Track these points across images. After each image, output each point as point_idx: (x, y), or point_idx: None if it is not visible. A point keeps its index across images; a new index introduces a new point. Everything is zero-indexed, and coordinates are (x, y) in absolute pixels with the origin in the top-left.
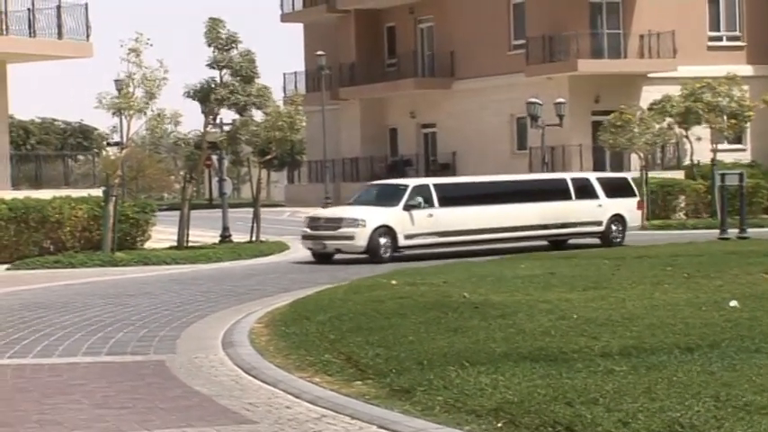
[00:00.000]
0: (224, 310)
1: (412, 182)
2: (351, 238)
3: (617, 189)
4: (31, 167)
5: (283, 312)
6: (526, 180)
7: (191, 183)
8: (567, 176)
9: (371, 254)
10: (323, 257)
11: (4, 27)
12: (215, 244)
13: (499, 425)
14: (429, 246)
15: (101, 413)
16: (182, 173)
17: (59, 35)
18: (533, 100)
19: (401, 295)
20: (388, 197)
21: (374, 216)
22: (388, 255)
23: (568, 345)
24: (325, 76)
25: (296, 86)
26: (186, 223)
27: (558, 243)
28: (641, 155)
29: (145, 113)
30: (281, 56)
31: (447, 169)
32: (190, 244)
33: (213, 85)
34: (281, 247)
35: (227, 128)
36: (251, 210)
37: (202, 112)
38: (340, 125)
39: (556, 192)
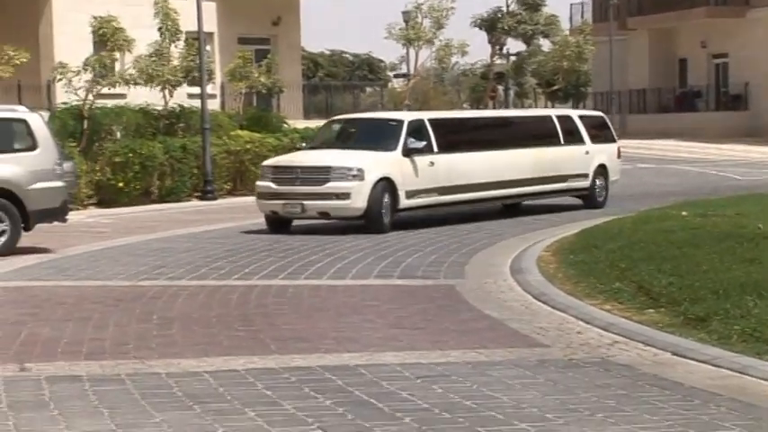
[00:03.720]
0: (511, 238)
1: (405, 116)
2: (344, 196)
3: (597, 131)
4: (321, 98)
5: (571, 241)
6: (520, 117)
7: None
8: (553, 114)
9: (370, 219)
10: (278, 225)
11: None
12: None
13: None
14: (429, 207)
15: (394, 333)
16: (465, 105)
17: None
18: None
19: (693, 226)
20: (373, 137)
21: (373, 164)
22: (388, 220)
23: None
24: (613, 5)
25: (582, 17)
26: None
27: (514, 205)
28: None
29: (432, 44)
30: None
31: (738, 101)
32: None
33: (500, 15)
34: None
35: (513, 58)
36: None
37: (489, 41)
38: (627, 56)
39: (546, 134)
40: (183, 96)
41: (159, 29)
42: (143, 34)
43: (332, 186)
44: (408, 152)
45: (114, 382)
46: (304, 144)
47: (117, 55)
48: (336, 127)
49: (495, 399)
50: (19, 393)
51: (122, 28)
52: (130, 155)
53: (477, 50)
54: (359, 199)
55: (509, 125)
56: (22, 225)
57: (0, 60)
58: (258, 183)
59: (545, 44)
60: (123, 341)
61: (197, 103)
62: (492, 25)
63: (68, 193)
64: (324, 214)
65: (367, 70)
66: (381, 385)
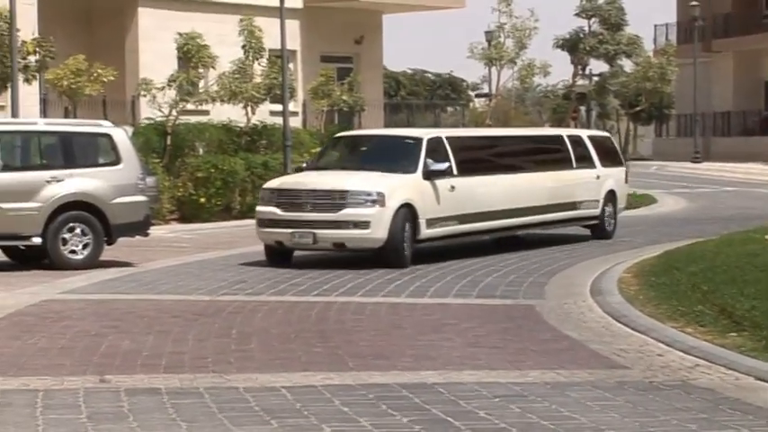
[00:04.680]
0: (591, 259)
1: (423, 133)
2: (363, 224)
3: (605, 154)
4: (402, 117)
5: (652, 263)
6: (535, 136)
7: None
8: (564, 133)
9: (391, 252)
10: (278, 257)
11: None
12: None
13: None
14: (449, 237)
15: (473, 351)
16: (546, 125)
17: None
18: None
19: None
20: (388, 157)
21: (393, 188)
22: (409, 253)
23: None
24: (698, 27)
25: (666, 38)
26: None
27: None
28: None
29: (515, 64)
30: (651, 7)
31: None
32: None
33: (582, 35)
34: (649, 201)
35: (595, 79)
36: None
37: (571, 62)
38: (711, 78)
39: (559, 156)
40: (265, 114)
41: (243, 46)
42: (227, 51)
43: (349, 213)
44: (429, 175)
45: (192, 396)
46: (305, 164)
47: (201, 71)
48: (345, 145)
49: (574, 420)
50: (99, 405)
51: (207, 45)
52: (212, 171)
53: (559, 71)
54: (380, 228)
55: (526, 145)
56: (105, 239)
57: (89, 77)
58: (259, 208)
59: (627, 65)
60: (202, 355)
61: (279, 120)
62: (574, 45)
63: (150, 207)
64: (339, 245)
65: (449, 89)
66: (459, 404)
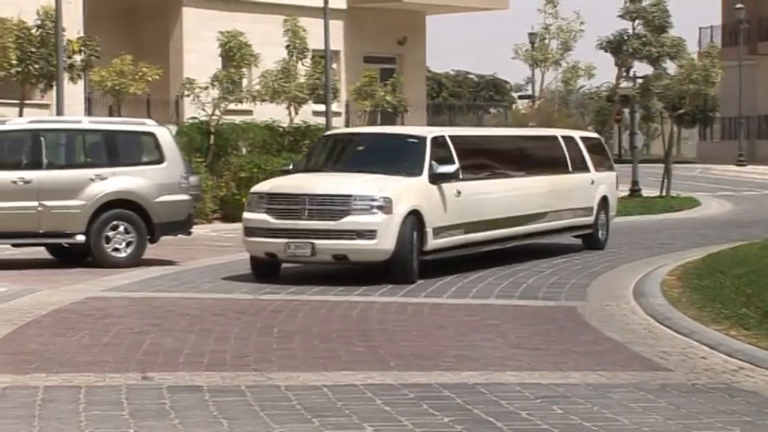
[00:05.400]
0: (634, 261)
1: (426, 132)
2: (369, 234)
3: (597, 157)
4: (445, 118)
5: (696, 266)
6: (534, 136)
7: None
8: (559, 134)
9: (398, 265)
10: (266, 271)
11: None
12: (624, 197)
13: None
14: (455, 249)
15: (515, 352)
16: (589, 128)
17: None
18: None
19: None
20: (388, 158)
21: (400, 192)
22: (417, 266)
23: None
24: (744, 30)
25: (711, 40)
26: None
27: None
28: None
29: (559, 65)
30: (696, 10)
31: None
32: None
33: (626, 37)
34: (692, 203)
35: (639, 81)
36: (661, 165)
37: (615, 64)
38: (756, 81)
39: (556, 158)
40: (308, 114)
41: (287, 46)
42: (270, 51)
43: (352, 221)
44: (435, 178)
45: (234, 394)
46: (292, 166)
47: (244, 71)
48: (338, 144)
49: (616, 421)
50: (141, 402)
51: (248, 43)
52: (255, 170)
53: (602, 72)
54: (387, 238)
55: (526, 146)
56: (148, 237)
57: (134, 76)
58: (246, 215)
59: (671, 67)
60: (244, 353)
61: (322, 120)
62: (618, 47)
63: (193, 206)
64: (340, 258)
65: (493, 91)
66: (501, 404)
